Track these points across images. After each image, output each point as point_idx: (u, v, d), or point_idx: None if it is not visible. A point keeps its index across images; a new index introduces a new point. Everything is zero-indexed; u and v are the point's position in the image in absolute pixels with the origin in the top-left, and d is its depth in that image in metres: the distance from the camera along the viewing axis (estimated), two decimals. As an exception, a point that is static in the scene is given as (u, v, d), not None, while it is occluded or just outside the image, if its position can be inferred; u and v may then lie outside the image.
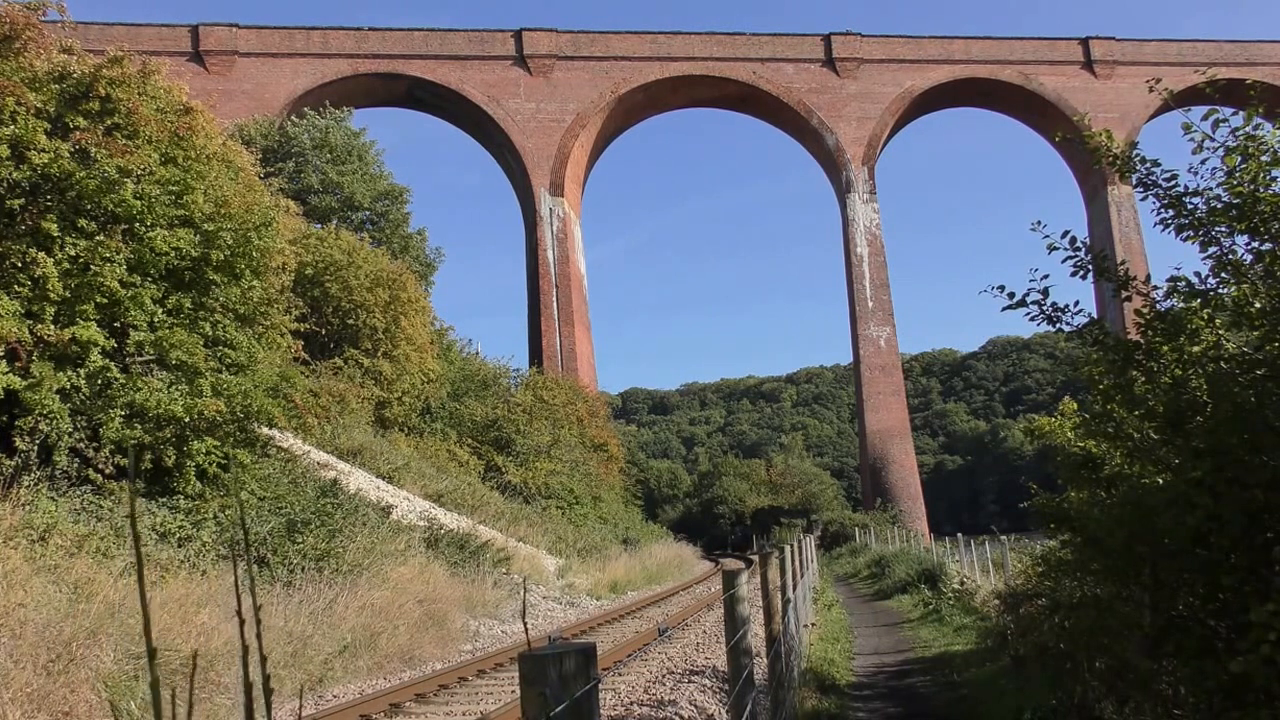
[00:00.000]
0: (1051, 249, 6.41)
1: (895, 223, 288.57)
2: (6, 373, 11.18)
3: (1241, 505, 4.81)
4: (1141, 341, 6.04)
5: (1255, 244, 5.70)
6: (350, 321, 29.26)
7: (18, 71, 12.77)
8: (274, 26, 52.28)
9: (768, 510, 69.59)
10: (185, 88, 16.07)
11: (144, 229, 12.86)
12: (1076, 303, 6.37)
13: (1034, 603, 10.65)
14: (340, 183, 37.40)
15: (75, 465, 12.10)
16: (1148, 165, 6.14)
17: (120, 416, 12.19)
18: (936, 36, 58.67)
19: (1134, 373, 6.06)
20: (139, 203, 12.74)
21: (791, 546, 11.93)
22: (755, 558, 31.70)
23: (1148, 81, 7.88)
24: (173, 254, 13.01)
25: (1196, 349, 5.76)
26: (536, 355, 52.24)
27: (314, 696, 11.15)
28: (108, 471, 12.24)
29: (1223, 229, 5.79)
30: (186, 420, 12.59)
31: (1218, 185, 5.83)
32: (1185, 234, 5.96)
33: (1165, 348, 5.88)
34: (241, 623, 1.06)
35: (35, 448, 11.57)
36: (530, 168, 53.03)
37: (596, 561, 29.12)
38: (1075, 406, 10.49)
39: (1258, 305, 5.55)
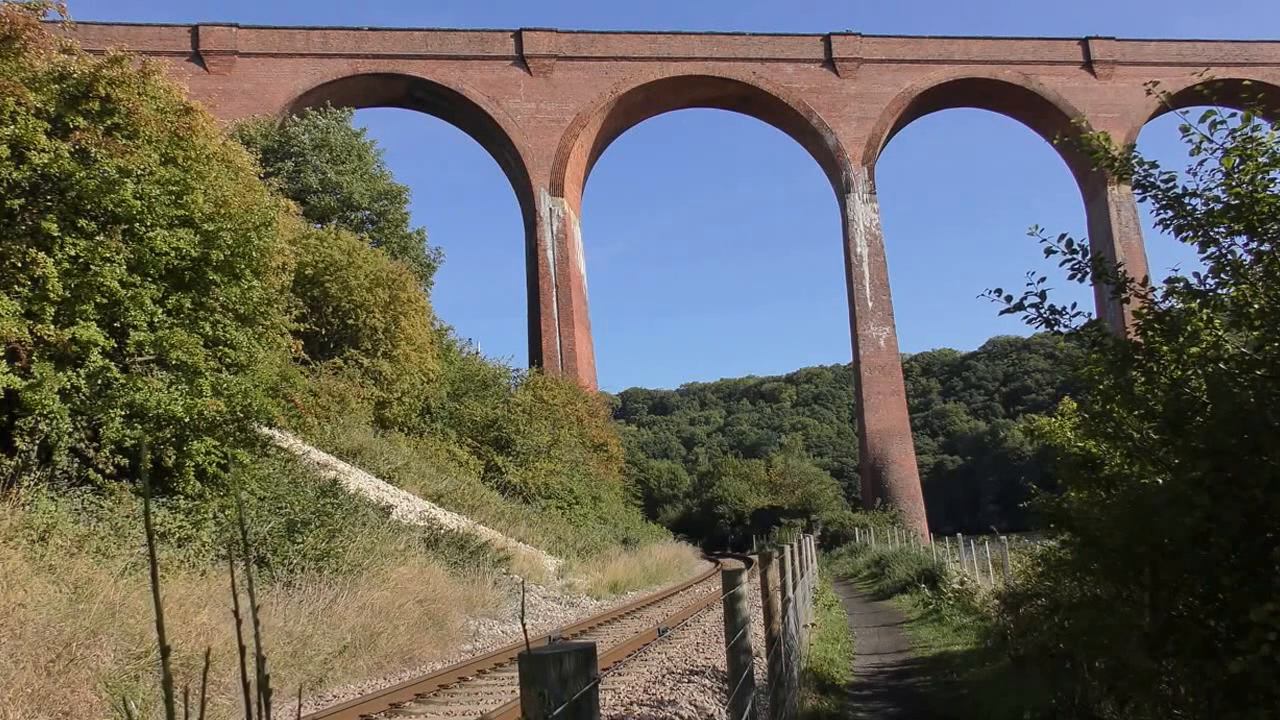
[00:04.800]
0: (1049, 253, 6.41)
1: (895, 223, 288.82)
2: (6, 373, 11.18)
3: (1241, 505, 4.81)
4: (1140, 342, 6.05)
5: (1254, 244, 5.70)
6: (350, 321, 29.26)
7: (18, 71, 12.77)
8: (274, 26, 52.30)
9: (768, 510, 69.53)
10: (185, 88, 16.07)
11: (144, 229, 12.86)
12: (1075, 304, 6.38)
13: (1034, 603, 10.66)
14: (339, 183, 37.39)
15: (75, 465, 12.09)
16: (1145, 167, 6.14)
17: (120, 416, 12.19)
18: (936, 36, 58.70)
19: (1133, 373, 6.07)
20: (139, 203, 12.74)
21: (791, 546, 11.92)
22: (755, 558, 31.69)
23: (1145, 84, 7.88)
24: (173, 254, 13.00)
25: (1196, 350, 5.76)
26: (536, 355, 52.24)
27: (314, 696, 11.15)
28: (108, 471, 12.23)
29: (1221, 230, 5.79)
30: (186, 420, 12.58)
31: (1216, 186, 5.84)
32: (1185, 234, 5.96)
33: (1164, 348, 5.89)
34: (239, 622, 1.06)
35: (35, 448, 11.57)
36: (530, 168, 53.03)
37: (596, 561, 29.11)
38: (1075, 406, 10.48)
39: (1257, 305, 5.55)
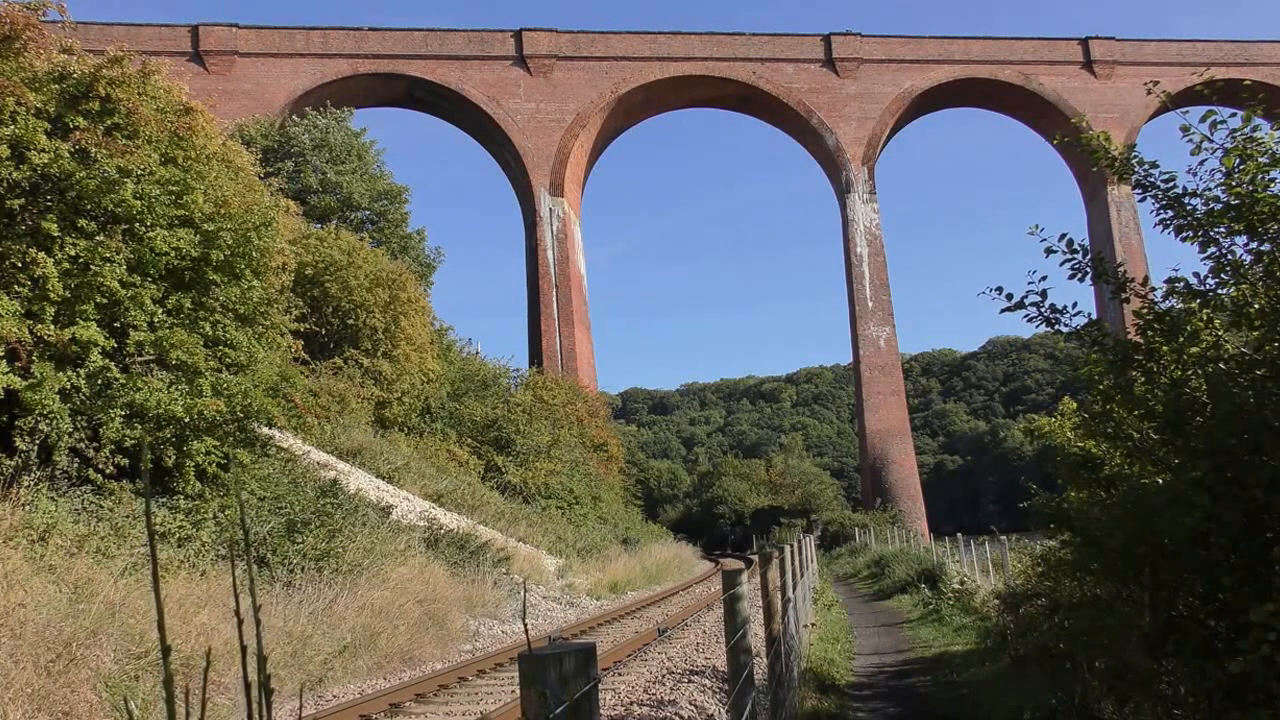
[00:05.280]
0: (1049, 252, 6.41)
1: (895, 223, 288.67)
2: (7, 373, 11.18)
3: (1241, 505, 4.81)
4: (1140, 342, 6.05)
5: (1254, 244, 5.70)
6: (350, 321, 29.26)
7: (18, 71, 12.76)
8: (274, 26, 52.32)
9: (768, 510, 69.52)
10: (185, 88, 16.06)
11: (144, 229, 12.86)
12: (1075, 304, 6.38)
13: (1034, 603, 10.66)
14: (339, 183, 37.40)
15: (75, 465, 12.09)
16: (1145, 167, 6.14)
17: (120, 416, 12.19)
18: (936, 36, 58.72)
19: (1133, 373, 6.06)
20: (139, 203, 12.73)
21: (791, 546, 11.92)
22: (755, 558, 31.69)
23: (1145, 84, 7.88)
24: (173, 254, 13.00)
25: (1196, 350, 5.76)
26: (536, 355, 52.25)
27: (314, 696, 11.15)
28: (108, 471, 12.23)
29: (1221, 230, 5.79)
30: (186, 420, 12.58)
31: (1216, 186, 5.83)
32: (1185, 235, 5.96)
33: (1164, 348, 5.88)
34: (240, 622, 1.06)
35: (35, 448, 11.57)
36: (530, 168, 53.03)
37: (596, 561, 29.11)
38: (1075, 406, 10.49)
39: (1257, 305, 5.55)
